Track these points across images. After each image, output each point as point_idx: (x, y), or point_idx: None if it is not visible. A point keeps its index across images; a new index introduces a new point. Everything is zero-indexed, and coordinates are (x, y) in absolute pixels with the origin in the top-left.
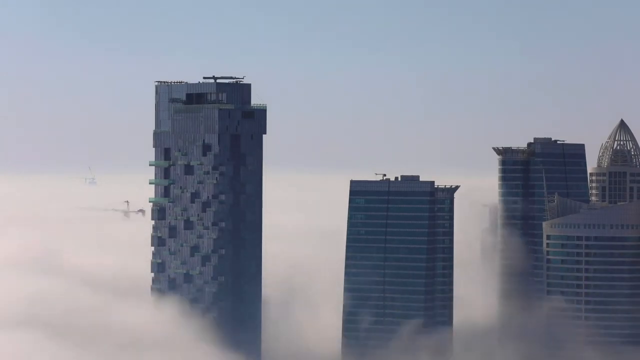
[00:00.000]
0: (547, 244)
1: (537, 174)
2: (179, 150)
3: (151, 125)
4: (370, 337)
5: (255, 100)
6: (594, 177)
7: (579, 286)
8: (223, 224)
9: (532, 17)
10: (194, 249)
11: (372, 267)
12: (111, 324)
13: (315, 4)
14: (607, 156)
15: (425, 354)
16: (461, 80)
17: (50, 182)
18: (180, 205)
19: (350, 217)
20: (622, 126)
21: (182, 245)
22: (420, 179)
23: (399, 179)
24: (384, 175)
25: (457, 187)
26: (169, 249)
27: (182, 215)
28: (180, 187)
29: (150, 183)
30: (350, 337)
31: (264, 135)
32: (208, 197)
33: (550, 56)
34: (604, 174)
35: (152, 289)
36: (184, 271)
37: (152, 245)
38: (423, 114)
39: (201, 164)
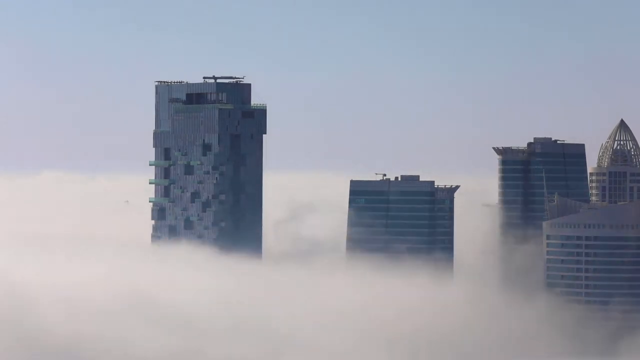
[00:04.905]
0: (547, 243)
1: (537, 174)
2: (179, 150)
3: (151, 125)
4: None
5: (255, 100)
6: (594, 177)
7: (578, 286)
8: (223, 224)
9: (532, 17)
10: None
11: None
12: None
13: (315, 4)
14: (607, 156)
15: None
16: (461, 80)
17: (51, 181)
18: (180, 205)
19: (350, 217)
20: (622, 126)
21: None
22: (420, 179)
23: (399, 179)
24: (384, 175)
25: (457, 187)
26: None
27: (182, 215)
28: (180, 187)
29: (150, 183)
30: None
31: (264, 135)
32: (208, 197)
33: (550, 56)
34: (604, 174)
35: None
36: None
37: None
38: (423, 113)
39: (201, 164)
